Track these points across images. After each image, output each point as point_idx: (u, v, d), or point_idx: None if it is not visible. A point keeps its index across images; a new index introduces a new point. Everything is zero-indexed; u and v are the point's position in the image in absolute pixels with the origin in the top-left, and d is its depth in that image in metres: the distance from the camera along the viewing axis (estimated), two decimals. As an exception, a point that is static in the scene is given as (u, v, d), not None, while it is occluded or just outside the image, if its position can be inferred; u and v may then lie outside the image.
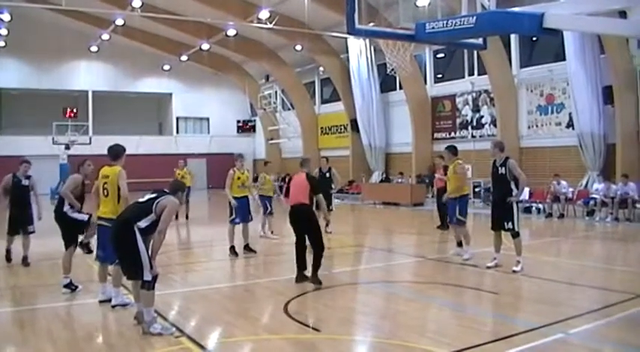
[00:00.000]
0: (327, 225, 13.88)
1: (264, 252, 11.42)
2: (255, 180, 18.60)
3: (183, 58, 32.78)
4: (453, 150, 10.57)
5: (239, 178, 10.93)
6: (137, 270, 5.86)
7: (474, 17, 6.34)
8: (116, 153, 7.05)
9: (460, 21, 6.41)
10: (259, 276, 9.22)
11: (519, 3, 8.28)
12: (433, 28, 6.89)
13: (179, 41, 31.80)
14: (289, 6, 24.27)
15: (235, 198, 10.83)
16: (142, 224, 5.86)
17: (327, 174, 14.26)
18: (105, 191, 6.89)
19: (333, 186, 14.44)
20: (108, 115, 35.88)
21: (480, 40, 8.14)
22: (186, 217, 17.62)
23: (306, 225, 8.20)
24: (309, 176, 8.51)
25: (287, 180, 6.67)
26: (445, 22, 6.67)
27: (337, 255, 11.41)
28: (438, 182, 14.42)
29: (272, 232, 13.71)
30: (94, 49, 33.40)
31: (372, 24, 8.39)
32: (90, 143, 30.67)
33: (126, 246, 5.87)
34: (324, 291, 7.89)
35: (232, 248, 10.81)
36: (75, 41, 33.41)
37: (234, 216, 10.83)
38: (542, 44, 20.97)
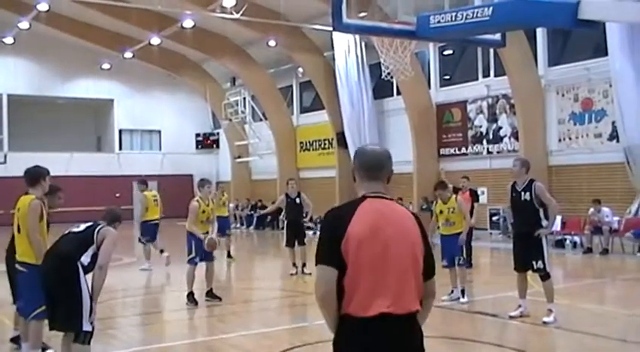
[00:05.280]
0: (303, 265, 14.00)
1: (231, 300, 11.37)
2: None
3: (128, 55, 32.75)
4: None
5: (204, 212, 10.93)
6: (74, 319, 5.89)
7: (490, 8, 6.45)
8: (34, 177, 6.94)
9: (473, 13, 6.52)
10: (225, 330, 9.15)
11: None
12: (439, 22, 7.00)
13: (122, 34, 31.82)
14: (260, -9, 24.51)
15: (195, 234, 10.82)
16: (85, 259, 5.94)
17: (297, 200, 14.36)
18: (18, 227, 6.86)
19: (304, 215, 14.62)
20: (29, 126, 35.61)
21: (498, 36, 8.26)
22: (229, 255, 17.47)
23: None
24: (420, 223, 3.48)
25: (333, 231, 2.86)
26: (454, 14, 6.78)
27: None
28: None
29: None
30: (8, 40, 32.68)
31: (363, 14, 8.49)
32: (5, 162, 30.39)
33: (65, 289, 5.91)
34: (306, 349, 7.86)
35: (191, 294, 10.75)
36: (-19, 29, 32.55)
37: (193, 254, 10.80)
38: (577, 36, 21.27)
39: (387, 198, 3.37)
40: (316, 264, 3.18)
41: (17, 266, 6.84)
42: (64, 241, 6.27)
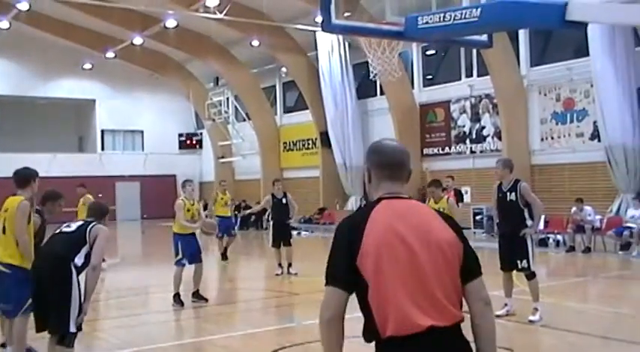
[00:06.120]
0: (289, 266, 13.99)
1: (217, 300, 11.34)
2: (205, 207, 18.58)
3: (110, 54, 32.56)
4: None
5: (189, 210, 10.93)
6: (62, 321, 5.90)
7: (479, 9, 6.49)
8: (23, 178, 6.92)
9: (461, 14, 6.56)
10: (212, 332, 9.14)
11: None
12: (427, 22, 7.02)
13: (104, 33, 31.65)
14: (244, -9, 24.45)
15: (181, 235, 10.81)
16: (79, 260, 5.93)
17: (284, 201, 14.36)
18: (3, 228, 6.80)
19: (290, 215, 14.63)
20: (9, 127, 35.49)
21: (485, 37, 8.32)
22: (223, 256, 16.94)
23: None
24: (450, 220, 2.98)
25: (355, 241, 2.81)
26: (442, 15, 6.81)
27: (307, 302, 11.39)
28: None
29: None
30: (-13, 40, 32.53)
31: (347, 14, 8.51)
32: (-17, 162, 30.04)
33: (57, 290, 5.90)
34: (294, 349, 7.86)
35: (177, 295, 10.70)
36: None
37: (180, 255, 10.76)
38: (559, 37, 21.42)
39: (405, 198, 2.95)
40: (325, 284, 2.77)
41: (1, 267, 6.79)
42: (57, 242, 6.22)
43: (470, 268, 2.90)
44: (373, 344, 2.79)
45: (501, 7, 6.65)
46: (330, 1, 7.16)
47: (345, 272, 2.74)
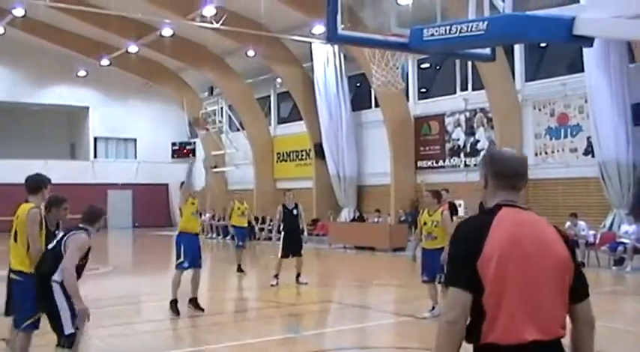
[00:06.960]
0: (298, 275, 13.89)
1: (214, 310, 11.27)
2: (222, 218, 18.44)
3: (104, 62, 32.58)
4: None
5: (193, 204, 11.04)
6: (56, 327, 6.01)
7: (485, 22, 6.50)
8: (34, 184, 6.87)
9: (467, 26, 6.57)
10: (208, 341, 9.07)
11: (536, 4, 8.54)
12: (432, 34, 7.04)
13: (99, 41, 31.65)
14: (240, 2, 24.45)
15: (185, 234, 10.78)
16: (58, 276, 6.01)
17: (295, 212, 14.21)
18: (15, 235, 6.75)
19: (301, 227, 14.47)
20: (2, 133, 35.42)
21: (488, 50, 8.35)
22: (239, 269, 16.37)
23: None
24: (566, 237, 3.01)
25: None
26: (448, 27, 6.83)
27: (300, 313, 11.40)
28: None
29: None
30: (-19, 45, 32.46)
31: (348, 25, 8.52)
32: (-25, 169, 29.93)
33: (45, 306, 6.07)
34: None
35: (174, 302, 10.53)
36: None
37: (182, 259, 10.62)
38: (554, 52, 21.56)
39: (523, 208, 2.98)
40: (447, 286, 2.84)
41: (12, 275, 6.72)
42: (43, 260, 6.29)
43: (580, 288, 2.96)
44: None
45: (509, 20, 6.66)
46: (336, 12, 7.18)
47: (468, 274, 2.77)
